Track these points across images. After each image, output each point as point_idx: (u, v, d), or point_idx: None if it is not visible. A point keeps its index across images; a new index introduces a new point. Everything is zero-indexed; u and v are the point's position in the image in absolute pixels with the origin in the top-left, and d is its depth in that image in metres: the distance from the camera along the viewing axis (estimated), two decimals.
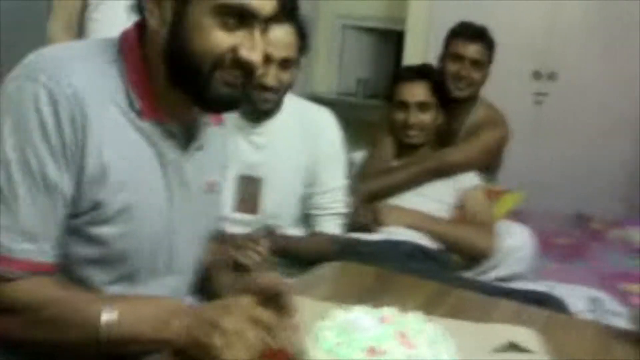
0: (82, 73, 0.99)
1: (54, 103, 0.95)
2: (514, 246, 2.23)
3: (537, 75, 3.89)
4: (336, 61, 4.57)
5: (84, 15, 2.31)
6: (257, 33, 1.01)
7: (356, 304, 1.02)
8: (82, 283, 1.05)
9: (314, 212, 1.90)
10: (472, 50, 2.43)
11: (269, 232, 1.76)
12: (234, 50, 1.00)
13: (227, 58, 1.00)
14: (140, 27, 1.06)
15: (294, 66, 1.77)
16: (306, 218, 1.92)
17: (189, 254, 1.17)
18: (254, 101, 1.76)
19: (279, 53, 1.71)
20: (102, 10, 2.25)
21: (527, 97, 3.91)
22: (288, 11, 1.73)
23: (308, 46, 1.80)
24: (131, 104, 1.03)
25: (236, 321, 0.91)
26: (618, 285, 2.39)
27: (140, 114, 1.03)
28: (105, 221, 1.01)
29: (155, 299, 1.04)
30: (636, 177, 3.71)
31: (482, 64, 2.45)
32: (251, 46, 1.00)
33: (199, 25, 0.98)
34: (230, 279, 1.23)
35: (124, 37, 1.07)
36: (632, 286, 2.39)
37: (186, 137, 1.10)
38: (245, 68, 1.02)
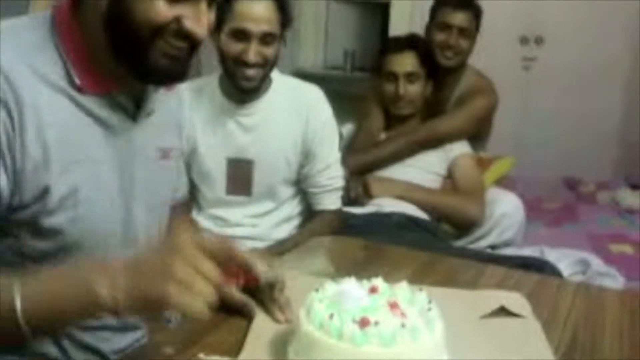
0: (12, 53, 0.93)
1: None
2: (504, 213, 2.25)
3: (524, 40, 3.88)
4: (322, 35, 4.55)
5: None
6: (203, 5, 0.97)
7: (347, 277, 1.03)
8: None
9: (313, 190, 1.91)
10: (459, 18, 2.41)
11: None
12: (177, 20, 0.96)
13: (171, 28, 0.96)
14: None
15: (277, 41, 1.75)
16: (305, 195, 1.94)
17: (147, 223, 1.13)
18: (236, 79, 1.76)
19: (258, 28, 1.70)
20: None
21: (515, 63, 3.91)
22: None
23: (290, 20, 1.78)
24: (70, 80, 0.98)
25: (186, 260, 0.80)
26: (608, 246, 2.42)
27: (80, 89, 0.98)
28: (55, 208, 0.97)
29: (69, 265, 0.91)
30: (623, 139, 3.74)
31: (470, 32, 2.43)
32: (196, 18, 0.97)
33: None
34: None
35: (58, 8, 1.01)
36: (622, 246, 2.42)
37: (134, 104, 1.06)
38: (189, 39, 0.98)
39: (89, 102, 1.00)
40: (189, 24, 0.96)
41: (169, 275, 0.79)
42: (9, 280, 0.86)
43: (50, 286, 0.86)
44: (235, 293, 1.07)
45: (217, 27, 1.72)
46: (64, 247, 1.00)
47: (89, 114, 1.00)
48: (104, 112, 1.01)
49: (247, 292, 1.08)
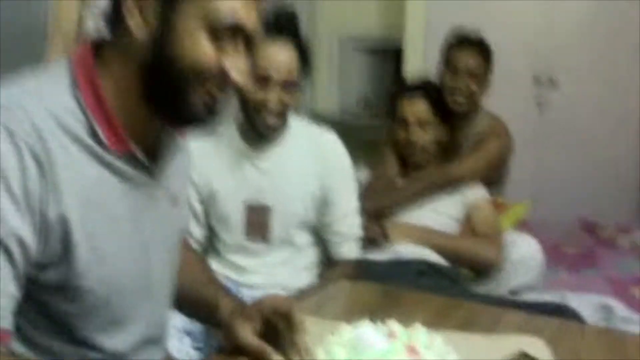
0: (41, 110, 0.91)
1: (15, 145, 0.87)
2: (523, 257, 2.22)
3: (537, 80, 3.87)
4: (337, 80, 4.60)
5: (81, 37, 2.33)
6: (241, 47, 0.98)
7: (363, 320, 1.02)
8: (67, 337, 0.99)
9: (331, 238, 1.90)
10: (466, 62, 2.42)
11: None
12: (223, 72, 0.96)
13: (215, 79, 0.97)
14: (97, 46, 0.99)
15: (297, 88, 1.77)
16: (323, 242, 1.92)
17: (163, 274, 1.12)
18: (256, 126, 1.77)
19: (280, 76, 1.71)
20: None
21: (529, 103, 3.90)
22: (288, 31, 1.73)
23: (311, 69, 1.80)
24: (95, 136, 0.95)
25: None
26: (630, 291, 2.37)
27: (106, 146, 0.96)
28: (82, 270, 0.94)
29: None
30: None
31: (479, 75, 2.43)
32: (238, 66, 0.97)
33: (187, 31, 0.93)
34: (234, 305, 1.18)
35: (77, 58, 0.98)
36: None
37: (152, 160, 1.04)
38: (229, 88, 0.99)
39: (112, 159, 0.97)
40: (234, 74, 0.97)
41: None
42: None
43: None
44: (253, 339, 1.06)
45: None
46: (93, 306, 0.99)
47: (112, 170, 0.98)
48: (125, 169, 0.99)
49: (266, 335, 1.07)
